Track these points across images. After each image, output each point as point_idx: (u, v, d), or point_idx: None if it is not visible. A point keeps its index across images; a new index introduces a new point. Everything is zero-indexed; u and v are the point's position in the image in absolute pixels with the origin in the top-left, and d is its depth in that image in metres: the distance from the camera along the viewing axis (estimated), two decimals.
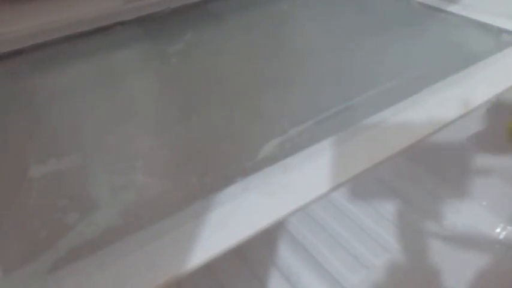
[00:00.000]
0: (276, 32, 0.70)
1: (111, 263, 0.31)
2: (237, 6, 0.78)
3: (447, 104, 0.48)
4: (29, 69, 0.62)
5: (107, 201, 0.38)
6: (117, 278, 0.31)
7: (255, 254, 0.80)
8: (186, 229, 0.34)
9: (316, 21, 0.72)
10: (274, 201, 0.37)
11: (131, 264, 0.32)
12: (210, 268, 0.77)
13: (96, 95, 0.55)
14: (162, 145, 0.45)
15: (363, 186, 0.92)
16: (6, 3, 0.66)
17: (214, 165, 0.41)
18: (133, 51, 0.64)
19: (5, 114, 0.52)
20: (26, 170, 0.42)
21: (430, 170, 0.92)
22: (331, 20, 0.72)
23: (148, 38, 0.69)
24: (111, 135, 0.47)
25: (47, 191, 0.39)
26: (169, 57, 0.61)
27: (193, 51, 0.63)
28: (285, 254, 0.80)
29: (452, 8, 0.69)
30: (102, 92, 0.55)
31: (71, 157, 0.43)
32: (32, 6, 0.69)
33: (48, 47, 0.66)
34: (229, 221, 0.35)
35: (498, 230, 0.82)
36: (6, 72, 0.61)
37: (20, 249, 0.34)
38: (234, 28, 0.72)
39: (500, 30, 0.63)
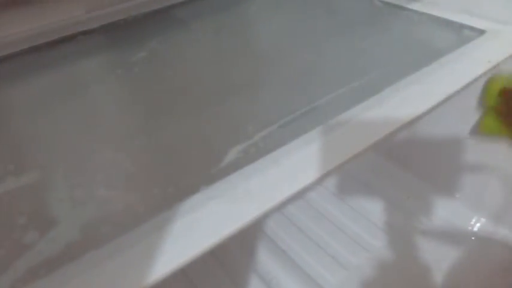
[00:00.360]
0: (242, 35, 0.70)
1: (70, 282, 0.31)
2: (202, 10, 0.78)
3: (410, 101, 0.48)
4: None
5: (67, 217, 0.37)
6: None
7: (233, 259, 0.79)
8: (149, 242, 0.34)
9: (280, 23, 0.72)
10: (238, 209, 0.37)
11: (92, 281, 0.31)
12: (187, 275, 0.76)
13: (57, 107, 0.54)
14: (125, 157, 0.44)
15: (339, 185, 0.93)
16: None
17: (178, 175, 0.41)
18: (96, 61, 0.63)
19: None
20: None
21: (404, 166, 0.93)
22: (296, 21, 0.72)
23: (111, 47, 0.68)
24: (72, 148, 0.46)
25: (5, 210, 0.38)
26: (132, 66, 0.60)
27: (157, 58, 0.62)
28: (264, 258, 0.79)
29: (414, 6, 0.70)
30: (64, 104, 0.54)
31: (30, 173, 0.42)
32: None
33: (9, 59, 0.65)
34: (193, 230, 0.35)
35: (472, 222, 0.84)
36: None
37: None
38: (199, 33, 0.71)
39: (462, 26, 0.64)
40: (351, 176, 0.95)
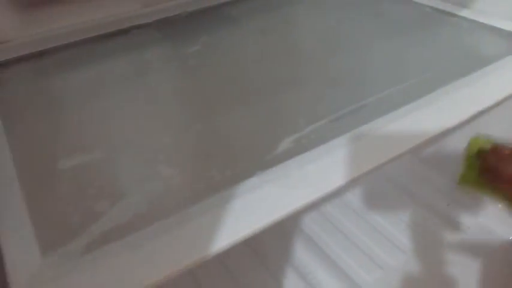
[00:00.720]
0: (291, 33, 0.73)
1: (141, 246, 0.34)
2: (252, 9, 0.81)
3: (460, 103, 0.49)
4: (52, 69, 0.65)
5: (134, 190, 0.40)
6: (147, 258, 0.33)
7: (271, 253, 0.81)
8: (209, 217, 0.36)
9: (330, 24, 0.74)
10: (292, 193, 0.39)
11: (159, 247, 0.34)
12: (227, 266, 0.79)
13: (118, 94, 0.57)
14: (183, 141, 0.47)
15: (378, 188, 0.94)
16: (32, 8, 0.69)
17: (234, 160, 0.43)
18: (152, 53, 0.67)
19: (32, 112, 0.55)
20: (56, 162, 0.44)
21: (445, 173, 0.93)
22: (346, 23, 0.74)
23: (165, 41, 0.71)
24: (134, 131, 0.49)
25: (78, 181, 0.41)
26: (187, 59, 0.63)
27: (210, 52, 0.65)
28: (301, 253, 0.81)
29: (463, 13, 0.71)
30: (125, 91, 0.58)
31: (97, 151, 0.46)
32: (55, 9, 0.71)
33: (69, 49, 0.69)
34: (250, 210, 0.37)
35: None
36: (31, 72, 0.64)
37: (55, 233, 0.36)
38: (249, 30, 0.74)
39: (510, 34, 0.65)
40: (389, 180, 0.96)
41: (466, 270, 0.77)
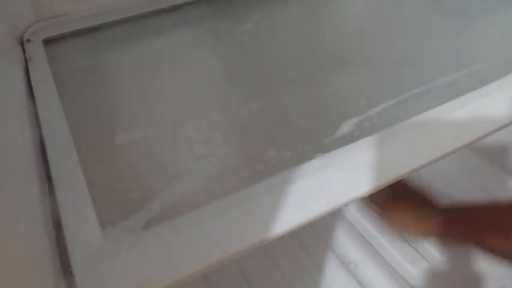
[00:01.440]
0: (345, 13, 0.70)
1: (202, 224, 0.33)
2: None
3: None
4: (107, 45, 0.65)
5: (190, 168, 0.39)
6: (207, 237, 0.32)
7: (313, 240, 0.80)
8: (270, 198, 0.35)
9: (387, 4, 0.70)
10: (353, 178, 0.37)
11: (220, 225, 0.33)
12: (268, 251, 0.78)
13: (171, 71, 0.57)
14: (239, 120, 0.46)
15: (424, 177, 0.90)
16: None
17: (293, 140, 0.42)
18: (204, 30, 0.66)
19: (88, 87, 0.55)
20: (113, 137, 0.44)
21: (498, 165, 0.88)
22: (404, 3, 0.70)
23: (217, 18, 0.70)
24: (189, 109, 0.48)
25: (134, 157, 0.41)
26: (240, 36, 0.62)
27: (263, 30, 0.63)
28: (344, 242, 0.80)
29: None
30: (178, 68, 0.57)
31: (152, 127, 0.45)
32: None
33: (122, 24, 0.69)
34: (312, 194, 0.36)
35: None
36: (86, 46, 0.64)
37: (114, 208, 0.36)
38: (302, 9, 0.71)
39: None
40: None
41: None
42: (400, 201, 0.66)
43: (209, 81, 0.53)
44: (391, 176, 0.37)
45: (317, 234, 0.81)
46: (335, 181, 0.37)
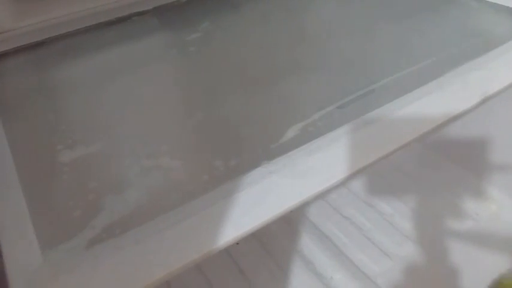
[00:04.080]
0: (292, 19, 0.71)
1: (146, 240, 0.32)
2: None
3: (471, 85, 0.47)
4: (51, 60, 0.63)
5: (136, 183, 0.39)
6: (152, 253, 0.32)
7: (277, 242, 0.81)
8: (215, 209, 0.35)
9: (333, 8, 0.72)
10: (299, 183, 0.37)
11: (165, 240, 0.32)
12: (232, 257, 0.78)
13: (118, 84, 0.56)
14: (186, 130, 0.45)
15: (383, 175, 0.92)
16: None
17: (239, 149, 0.42)
18: (152, 40, 0.65)
19: (31, 103, 0.54)
20: (56, 155, 0.43)
21: (452, 159, 0.92)
22: (351, 6, 0.71)
23: (165, 28, 0.70)
24: (136, 122, 0.48)
25: (78, 174, 0.40)
26: (188, 46, 0.61)
27: (211, 39, 0.63)
28: (308, 244, 0.80)
29: None
30: (124, 81, 0.56)
31: (97, 143, 0.44)
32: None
33: (68, 38, 0.67)
34: (257, 201, 0.36)
35: None
36: (29, 62, 0.63)
37: (56, 229, 0.35)
38: (250, 16, 0.72)
39: None
40: (395, 167, 0.94)
41: (473, 258, 0.76)
42: None
43: (157, 93, 0.53)
44: (335, 179, 0.38)
45: (281, 236, 0.82)
46: (281, 187, 0.37)
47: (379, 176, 0.92)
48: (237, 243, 0.84)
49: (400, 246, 0.78)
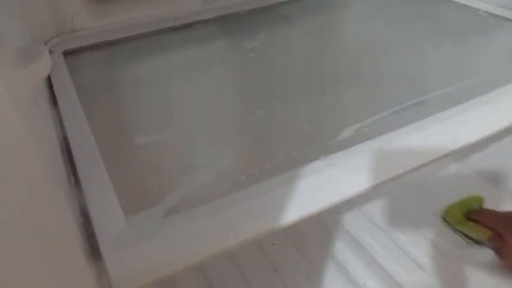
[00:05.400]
0: (344, 32, 0.75)
1: (218, 214, 0.36)
2: (306, 9, 0.84)
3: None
4: (122, 58, 0.70)
5: (205, 166, 0.43)
6: (224, 225, 0.36)
7: (312, 246, 0.83)
8: (277, 193, 0.39)
9: (386, 26, 0.76)
10: (354, 178, 0.41)
11: (234, 215, 0.36)
12: (268, 255, 0.81)
13: (184, 82, 0.61)
14: (249, 125, 0.50)
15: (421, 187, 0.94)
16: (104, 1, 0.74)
17: (299, 143, 0.46)
18: (215, 46, 0.71)
19: (105, 95, 0.59)
20: (133, 139, 0.48)
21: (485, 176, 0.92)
22: (402, 25, 0.75)
23: (226, 35, 0.75)
24: (201, 116, 0.52)
25: (154, 156, 0.45)
26: (248, 52, 0.66)
27: (268, 47, 0.68)
28: (342, 250, 0.82)
29: None
30: (189, 80, 0.61)
31: (168, 131, 0.49)
32: (125, 3, 0.76)
33: (137, 40, 0.74)
34: (315, 190, 0.39)
35: None
36: (102, 59, 0.69)
37: (136, 200, 0.40)
38: (303, 28, 0.77)
39: None
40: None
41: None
42: None
43: (219, 92, 0.58)
44: (386, 176, 0.41)
45: (316, 241, 0.84)
46: (336, 180, 0.40)
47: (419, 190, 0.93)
48: (274, 244, 0.88)
49: (433, 260, 0.79)
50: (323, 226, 0.87)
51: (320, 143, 0.45)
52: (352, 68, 0.62)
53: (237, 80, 0.61)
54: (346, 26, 0.78)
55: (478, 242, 0.79)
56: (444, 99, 0.51)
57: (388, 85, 0.57)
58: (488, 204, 0.82)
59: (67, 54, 0.66)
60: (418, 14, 0.79)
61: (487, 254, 0.79)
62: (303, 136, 0.48)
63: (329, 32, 0.76)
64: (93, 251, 0.36)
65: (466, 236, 0.81)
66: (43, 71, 0.32)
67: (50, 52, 0.66)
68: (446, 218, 0.85)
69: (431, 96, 0.52)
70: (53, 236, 0.27)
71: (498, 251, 0.66)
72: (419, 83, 0.56)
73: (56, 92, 0.55)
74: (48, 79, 0.59)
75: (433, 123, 0.47)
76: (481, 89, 0.52)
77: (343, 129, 0.47)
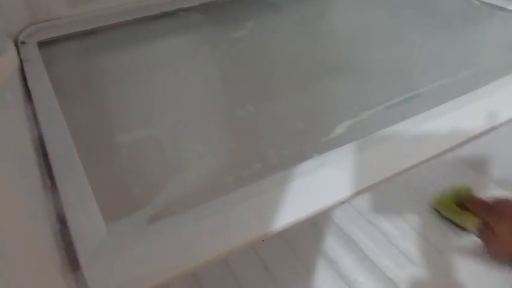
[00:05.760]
0: (333, 22, 0.72)
1: (205, 219, 0.34)
2: None
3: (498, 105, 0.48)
4: (101, 48, 0.66)
5: (192, 166, 0.40)
6: (212, 232, 0.33)
7: (303, 244, 0.82)
8: (270, 195, 0.36)
9: (376, 14, 0.73)
10: (349, 177, 0.39)
11: (223, 221, 0.34)
12: (260, 255, 0.79)
13: (166, 73, 0.58)
14: (237, 121, 0.47)
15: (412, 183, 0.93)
16: None
17: (291, 141, 0.43)
18: (199, 35, 0.68)
19: (84, 88, 0.56)
20: (113, 136, 0.45)
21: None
22: (393, 14, 0.73)
23: (211, 24, 0.72)
24: (187, 110, 0.50)
25: (136, 155, 0.42)
26: (235, 42, 0.63)
27: (257, 36, 0.65)
28: (333, 246, 0.81)
29: None
30: (173, 71, 0.58)
31: (151, 127, 0.46)
32: None
33: (117, 28, 0.70)
34: (309, 191, 0.37)
35: None
36: (81, 49, 0.65)
37: (118, 205, 0.37)
38: (293, 18, 0.74)
39: None
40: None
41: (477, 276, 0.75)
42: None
43: (205, 84, 0.55)
44: (382, 176, 0.39)
45: (307, 238, 0.83)
46: (332, 179, 0.38)
47: (408, 184, 0.92)
48: (263, 240, 0.86)
49: (423, 253, 0.79)
50: (313, 221, 0.86)
51: (312, 140, 0.43)
52: (343, 59, 0.59)
53: (224, 72, 0.58)
54: (336, 14, 0.76)
55: (467, 230, 0.79)
56: (440, 92, 0.49)
57: (380, 78, 0.55)
58: (478, 193, 0.82)
59: (42, 44, 0.62)
60: (408, 2, 0.77)
61: (477, 244, 0.79)
62: (295, 132, 0.45)
63: (318, 21, 0.73)
64: (71, 261, 0.33)
65: (456, 225, 0.81)
66: (6, 69, 0.29)
67: (23, 43, 0.62)
68: (437, 207, 0.85)
69: (426, 89, 0.50)
70: (22, 246, 0.25)
71: (484, 239, 0.66)
72: (413, 76, 0.54)
73: (30, 86, 0.52)
74: (22, 71, 0.55)
75: (429, 118, 0.45)
76: (477, 82, 0.51)
77: (336, 125, 0.44)
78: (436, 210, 0.85)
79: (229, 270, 0.78)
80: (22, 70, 0.55)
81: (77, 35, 0.67)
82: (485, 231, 0.65)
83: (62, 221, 0.36)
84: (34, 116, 0.47)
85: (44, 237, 0.32)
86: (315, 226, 0.85)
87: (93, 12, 0.70)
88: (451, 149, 0.44)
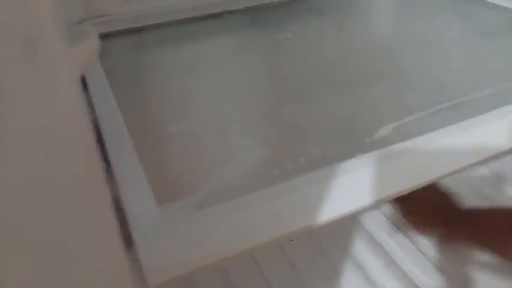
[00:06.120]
0: (376, 29, 0.73)
1: (251, 208, 0.35)
2: (338, 2, 0.82)
3: None
4: (150, 45, 0.69)
5: (238, 158, 0.42)
6: (257, 220, 0.35)
7: (332, 246, 0.82)
8: (314, 189, 0.38)
9: (420, 23, 0.74)
10: (391, 178, 0.40)
11: (266, 211, 0.35)
12: (286, 254, 0.80)
13: (213, 72, 0.60)
14: (282, 118, 0.49)
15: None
16: None
17: (335, 140, 0.45)
18: (245, 36, 0.70)
19: (134, 81, 0.59)
20: (165, 127, 0.47)
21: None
22: (436, 23, 0.73)
23: (256, 26, 0.74)
24: (233, 106, 0.52)
25: (185, 145, 0.44)
26: (279, 44, 0.65)
27: (301, 40, 0.67)
28: (361, 250, 0.82)
29: None
30: (219, 70, 0.60)
31: (200, 120, 0.49)
32: None
33: (165, 27, 0.73)
34: (351, 189, 0.38)
35: None
36: (130, 45, 0.68)
37: (168, 191, 0.39)
38: (337, 23, 0.75)
39: None
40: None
41: None
42: (422, 199, 0.66)
43: (250, 83, 0.57)
44: (426, 178, 0.40)
45: (335, 240, 0.84)
46: (374, 179, 0.39)
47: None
48: (291, 240, 0.87)
49: (453, 265, 0.78)
50: (342, 224, 0.86)
51: (356, 140, 0.44)
52: (386, 65, 0.60)
53: (268, 72, 0.59)
54: (380, 21, 0.77)
55: None
56: (483, 101, 0.50)
57: (423, 84, 0.55)
58: None
59: None
60: (452, 11, 0.77)
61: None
62: (338, 132, 0.46)
63: (361, 27, 0.74)
64: (127, 240, 0.35)
65: None
66: (92, 52, 0.31)
67: None
68: None
69: (469, 98, 0.50)
70: (97, 216, 0.27)
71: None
72: (456, 84, 0.55)
73: (86, 75, 0.55)
74: None
75: (472, 126, 0.45)
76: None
77: (380, 127, 0.45)
78: None
79: (257, 268, 0.80)
80: None
81: (127, 32, 0.70)
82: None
83: (116, 202, 0.38)
84: (90, 104, 0.50)
85: (112, 210, 0.35)
86: (343, 229, 0.85)
87: (143, 11, 0.74)
88: (497, 156, 0.44)
